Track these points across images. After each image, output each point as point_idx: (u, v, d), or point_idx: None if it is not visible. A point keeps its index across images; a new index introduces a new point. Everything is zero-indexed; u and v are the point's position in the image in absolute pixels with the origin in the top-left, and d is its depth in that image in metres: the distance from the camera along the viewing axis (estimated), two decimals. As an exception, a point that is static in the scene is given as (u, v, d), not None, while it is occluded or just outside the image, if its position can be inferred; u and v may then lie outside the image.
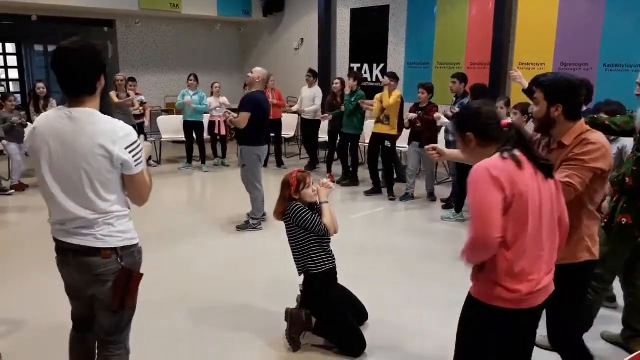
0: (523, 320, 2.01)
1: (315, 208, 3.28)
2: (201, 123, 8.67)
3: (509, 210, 1.87)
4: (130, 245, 2.18)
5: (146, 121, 8.81)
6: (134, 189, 2.17)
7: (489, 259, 1.93)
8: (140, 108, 8.42)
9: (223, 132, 8.92)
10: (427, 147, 2.77)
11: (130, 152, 2.05)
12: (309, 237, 3.17)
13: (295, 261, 3.29)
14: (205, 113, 8.76)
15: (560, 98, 2.29)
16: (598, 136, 2.33)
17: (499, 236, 1.85)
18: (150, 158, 7.65)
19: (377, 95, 6.90)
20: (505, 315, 1.95)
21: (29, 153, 2.19)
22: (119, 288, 2.13)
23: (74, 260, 2.13)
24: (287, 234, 3.27)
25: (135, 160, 2.07)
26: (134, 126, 8.45)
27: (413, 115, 6.53)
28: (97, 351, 2.35)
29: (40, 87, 7.51)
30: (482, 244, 1.88)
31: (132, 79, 8.65)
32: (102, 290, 2.15)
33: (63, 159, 2.03)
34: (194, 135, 8.67)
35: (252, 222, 5.56)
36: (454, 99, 6.42)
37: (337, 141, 7.95)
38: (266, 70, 5.68)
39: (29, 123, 7.19)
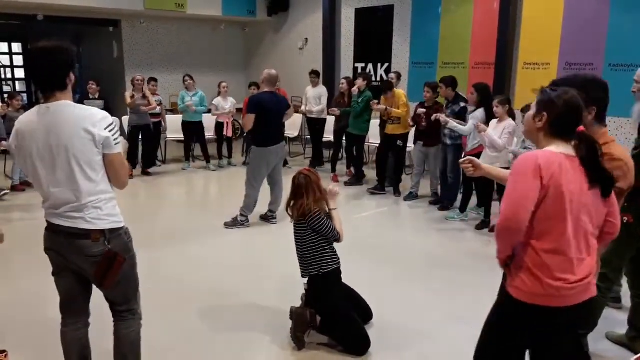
0: (547, 319, 1.95)
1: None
2: (200, 123, 8.67)
3: (543, 200, 1.85)
4: (117, 228, 2.34)
5: (163, 122, 8.82)
6: (114, 169, 2.32)
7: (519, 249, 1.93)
8: (159, 107, 8.41)
9: (230, 133, 8.95)
10: (462, 159, 2.52)
11: (109, 131, 2.25)
12: (320, 239, 3.22)
13: (301, 263, 3.30)
14: (205, 113, 8.79)
15: (595, 100, 2.19)
16: (621, 150, 2.24)
17: (526, 221, 1.86)
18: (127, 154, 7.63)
19: (383, 98, 7.00)
20: (529, 311, 1.93)
21: (15, 151, 2.31)
22: (101, 268, 2.30)
23: (66, 241, 2.30)
24: (297, 236, 3.29)
25: (115, 139, 2.28)
26: (148, 125, 8.43)
27: (422, 110, 6.46)
28: (113, 322, 2.53)
29: None
30: (507, 227, 1.89)
31: (153, 79, 8.63)
32: (90, 271, 2.32)
33: (51, 149, 2.20)
34: (193, 136, 8.70)
35: (240, 219, 5.60)
36: (445, 102, 6.35)
37: (343, 141, 7.98)
38: (274, 70, 5.64)
39: None
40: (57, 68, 2.23)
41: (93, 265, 2.30)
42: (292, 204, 3.29)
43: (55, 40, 2.26)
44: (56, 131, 2.19)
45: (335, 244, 3.33)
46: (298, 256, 3.32)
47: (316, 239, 3.22)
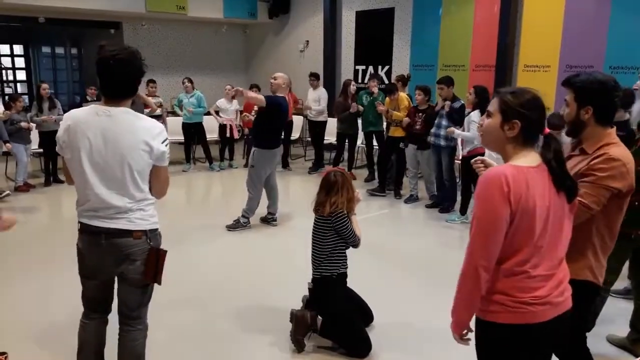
0: (525, 337, 1.80)
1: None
2: (200, 124, 8.69)
3: (511, 224, 1.71)
4: (155, 229, 2.42)
5: (164, 124, 8.82)
6: (160, 181, 2.41)
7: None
8: (159, 109, 8.42)
9: (236, 135, 8.98)
10: (475, 159, 2.35)
11: (165, 145, 2.33)
12: (339, 241, 3.22)
13: (313, 261, 3.30)
14: (205, 115, 8.81)
15: (591, 100, 2.15)
16: (621, 151, 2.15)
17: (495, 258, 1.73)
18: None
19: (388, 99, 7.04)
20: (509, 332, 1.78)
21: (63, 147, 2.29)
22: (152, 265, 2.36)
23: (106, 242, 2.31)
24: (316, 234, 3.27)
25: (168, 154, 2.36)
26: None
27: (406, 120, 6.58)
28: (119, 329, 2.53)
29: (45, 88, 7.46)
30: (478, 268, 1.73)
31: (152, 81, 8.66)
32: (131, 268, 2.36)
33: (107, 153, 2.23)
34: (193, 137, 8.73)
35: (242, 221, 5.62)
36: (441, 103, 6.28)
37: (346, 143, 8.04)
38: (286, 75, 5.69)
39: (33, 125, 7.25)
40: (132, 77, 2.26)
41: (134, 264, 2.34)
42: (323, 200, 3.24)
43: (127, 46, 2.28)
44: (114, 138, 2.21)
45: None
46: (312, 254, 3.31)
47: (335, 241, 3.22)
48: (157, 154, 2.29)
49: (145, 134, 2.25)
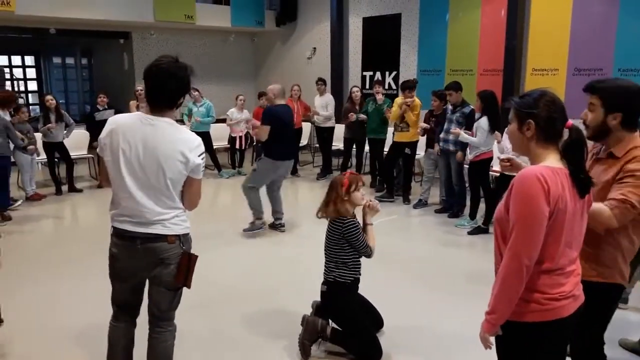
0: (553, 333, 1.87)
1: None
2: (208, 133, 8.72)
3: (548, 224, 1.76)
4: (187, 233, 2.49)
5: None
6: (192, 193, 2.46)
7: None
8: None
9: (243, 146, 9.08)
10: (501, 156, 2.47)
11: (202, 159, 2.39)
12: (350, 249, 3.20)
13: (327, 264, 3.28)
14: (213, 123, 8.90)
15: (620, 106, 2.17)
16: None
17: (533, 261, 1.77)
18: None
19: (397, 100, 6.99)
20: (539, 329, 1.83)
21: (104, 149, 2.35)
22: (184, 268, 2.43)
23: (142, 246, 2.37)
24: (329, 237, 3.24)
25: (203, 167, 2.42)
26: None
27: (425, 126, 6.59)
28: (149, 330, 2.59)
29: (49, 100, 7.47)
30: (523, 268, 1.75)
31: None
32: (165, 272, 2.42)
33: (144, 159, 2.29)
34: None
35: (257, 223, 5.66)
36: (451, 108, 6.27)
37: (353, 150, 8.02)
38: (278, 84, 5.73)
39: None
40: (178, 89, 2.34)
41: (168, 268, 2.40)
42: (322, 203, 3.28)
43: (176, 59, 2.38)
44: (153, 146, 2.28)
45: None
46: (325, 258, 3.29)
47: (346, 248, 3.19)
48: (192, 166, 2.34)
49: (183, 145, 2.31)
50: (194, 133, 2.43)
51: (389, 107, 7.23)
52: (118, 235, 2.41)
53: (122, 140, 2.29)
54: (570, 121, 1.86)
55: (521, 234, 1.75)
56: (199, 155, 2.36)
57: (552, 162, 1.82)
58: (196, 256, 2.48)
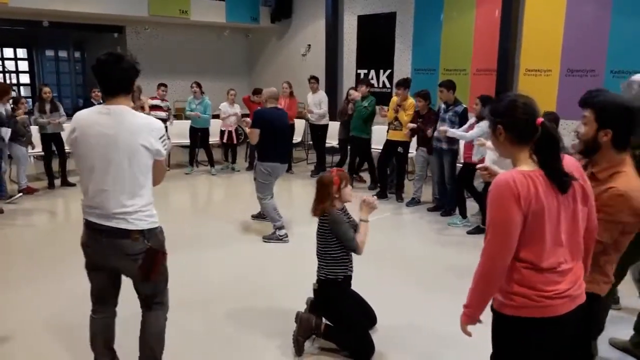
0: (547, 331, 1.90)
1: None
2: (207, 130, 8.78)
3: (525, 226, 1.81)
4: (154, 228, 2.48)
5: (169, 126, 8.86)
6: (158, 171, 2.52)
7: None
8: (165, 113, 8.42)
9: (234, 141, 9.05)
10: (479, 166, 2.54)
11: (162, 141, 2.44)
12: (339, 244, 3.23)
13: (319, 262, 3.32)
14: (213, 118, 8.86)
15: (612, 123, 2.13)
16: (627, 182, 2.16)
17: (510, 259, 1.84)
18: None
19: (393, 99, 7.01)
20: (530, 325, 1.88)
21: (71, 149, 2.45)
22: (145, 265, 2.44)
23: (106, 240, 2.41)
24: (319, 234, 3.30)
25: (165, 148, 2.47)
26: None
27: (412, 126, 6.62)
28: (141, 313, 2.67)
29: (47, 92, 7.45)
30: (494, 268, 1.85)
31: (163, 84, 8.69)
32: (130, 268, 2.46)
33: (106, 151, 2.33)
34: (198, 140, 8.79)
35: (278, 234, 5.49)
36: (444, 106, 6.27)
37: (349, 147, 8.04)
38: (273, 88, 5.70)
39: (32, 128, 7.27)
40: (126, 73, 2.40)
41: (134, 263, 2.43)
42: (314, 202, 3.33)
43: (116, 53, 2.45)
44: (115, 135, 2.32)
45: None
46: (317, 255, 3.33)
47: (335, 243, 3.23)
48: (155, 149, 2.40)
49: (141, 130, 2.36)
50: (151, 117, 2.50)
51: (368, 105, 7.27)
52: (87, 225, 2.47)
53: (84, 134, 2.35)
54: (540, 119, 1.87)
55: (494, 237, 1.85)
56: (159, 138, 2.42)
57: (526, 166, 1.87)
58: (163, 253, 2.51)
